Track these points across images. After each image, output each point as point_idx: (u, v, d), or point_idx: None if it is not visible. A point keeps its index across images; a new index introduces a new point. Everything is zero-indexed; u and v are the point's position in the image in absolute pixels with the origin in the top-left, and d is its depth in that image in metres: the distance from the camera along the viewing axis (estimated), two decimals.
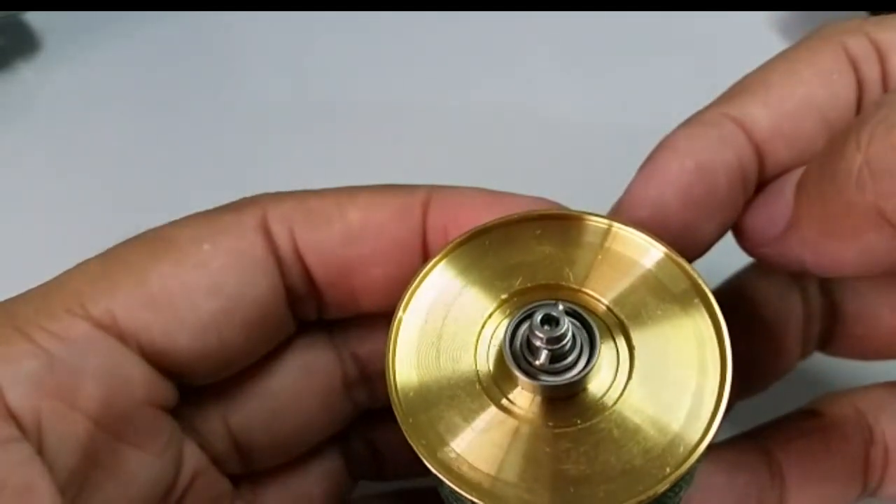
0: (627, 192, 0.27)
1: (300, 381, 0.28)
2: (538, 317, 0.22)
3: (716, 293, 0.24)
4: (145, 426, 0.25)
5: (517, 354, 0.22)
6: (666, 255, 0.24)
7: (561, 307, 0.22)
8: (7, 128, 0.48)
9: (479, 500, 0.21)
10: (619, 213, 0.27)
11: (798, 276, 0.31)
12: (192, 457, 0.27)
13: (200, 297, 0.25)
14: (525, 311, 0.23)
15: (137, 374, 0.24)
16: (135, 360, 0.24)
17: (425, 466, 0.24)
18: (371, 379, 0.30)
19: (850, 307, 0.31)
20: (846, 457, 0.30)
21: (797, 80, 0.27)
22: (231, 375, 0.27)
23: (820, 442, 0.30)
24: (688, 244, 0.26)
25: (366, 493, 0.34)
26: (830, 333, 0.32)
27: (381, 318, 0.25)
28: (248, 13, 0.51)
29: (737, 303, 0.31)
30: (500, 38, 0.50)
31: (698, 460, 0.22)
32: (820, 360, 0.33)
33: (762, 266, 0.31)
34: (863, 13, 0.43)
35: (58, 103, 0.49)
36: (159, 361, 0.25)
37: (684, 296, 0.23)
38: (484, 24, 0.50)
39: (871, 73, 0.27)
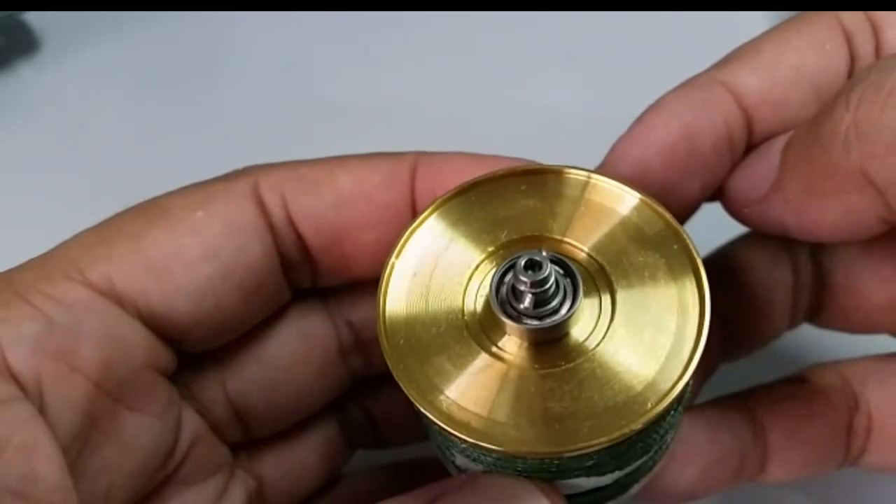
0: (612, 150, 0.27)
1: (296, 348, 0.29)
2: (522, 262, 0.22)
3: (706, 260, 0.24)
4: (145, 390, 0.25)
5: (503, 300, 0.23)
6: (642, 201, 0.25)
7: (544, 253, 0.22)
8: (7, 128, 0.48)
9: (468, 437, 0.22)
10: (603, 170, 0.27)
11: (789, 246, 0.31)
12: (191, 423, 0.27)
13: (196, 262, 0.25)
14: (510, 260, 0.23)
15: (136, 338, 0.25)
16: (133, 325, 0.25)
17: (420, 427, 0.24)
18: (366, 345, 0.30)
19: (840, 279, 0.31)
20: (830, 423, 0.30)
21: (789, 49, 0.27)
22: (228, 342, 0.27)
23: (805, 407, 0.30)
24: (671, 204, 0.26)
25: (362, 467, 0.34)
26: (819, 304, 0.32)
27: (374, 285, 0.25)
28: (247, 13, 0.51)
29: (726, 267, 0.31)
30: (500, 37, 0.50)
31: (678, 399, 0.22)
32: (808, 334, 0.33)
33: (752, 234, 0.31)
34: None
35: (58, 103, 0.49)
36: (158, 326, 0.25)
37: (662, 240, 0.24)
38: (484, 24, 0.50)
39: (865, 45, 0.27)
